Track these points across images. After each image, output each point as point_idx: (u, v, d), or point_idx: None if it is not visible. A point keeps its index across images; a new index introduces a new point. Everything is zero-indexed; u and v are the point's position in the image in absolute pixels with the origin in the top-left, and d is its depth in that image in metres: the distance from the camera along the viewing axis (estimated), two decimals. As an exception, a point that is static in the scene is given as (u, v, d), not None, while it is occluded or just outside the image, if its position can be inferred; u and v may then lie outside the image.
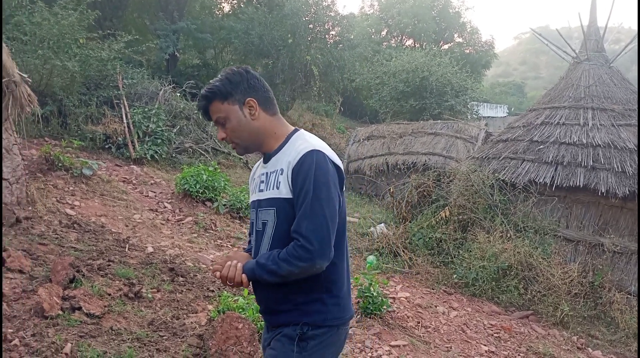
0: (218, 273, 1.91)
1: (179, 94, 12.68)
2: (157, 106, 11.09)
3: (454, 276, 7.01)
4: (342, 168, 1.88)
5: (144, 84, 12.19)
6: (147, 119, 10.54)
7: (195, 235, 6.74)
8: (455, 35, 30.34)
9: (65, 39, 9.80)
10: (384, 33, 30.02)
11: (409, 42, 29.54)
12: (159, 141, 10.22)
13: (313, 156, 1.77)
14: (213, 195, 7.87)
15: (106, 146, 9.71)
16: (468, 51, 28.97)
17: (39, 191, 6.33)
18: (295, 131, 1.96)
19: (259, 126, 1.92)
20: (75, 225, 5.89)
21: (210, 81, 1.95)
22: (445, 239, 7.60)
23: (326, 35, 18.13)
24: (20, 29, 9.67)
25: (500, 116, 26.69)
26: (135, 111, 10.67)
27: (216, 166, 8.53)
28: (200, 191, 7.76)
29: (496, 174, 7.73)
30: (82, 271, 4.37)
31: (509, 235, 7.14)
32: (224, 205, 7.75)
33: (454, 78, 16.62)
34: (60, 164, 7.16)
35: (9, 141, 5.81)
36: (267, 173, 1.94)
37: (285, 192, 1.82)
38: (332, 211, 1.76)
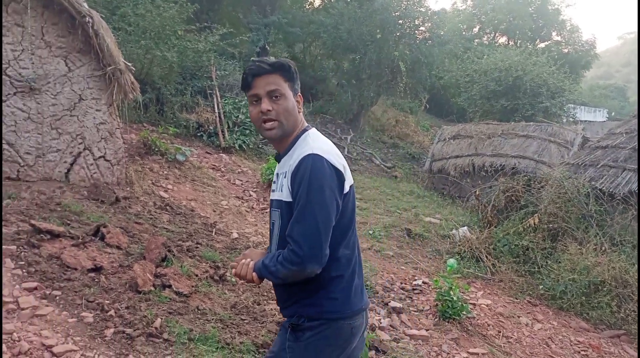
0: (234, 271, 1.99)
1: (268, 88, 12.96)
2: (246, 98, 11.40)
3: (540, 287, 6.66)
4: (343, 169, 1.86)
5: (235, 75, 12.61)
6: (237, 110, 10.90)
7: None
8: (554, 34, 28.67)
9: (166, 30, 10.32)
10: (475, 30, 28.99)
11: (502, 39, 28.32)
12: (247, 131, 10.54)
13: (309, 160, 1.77)
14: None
15: (198, 134, 10.15)
16: (566, 51, 27.28)
17: (136, 173, 6.73)
18: (304, 131, 1.95)
19: (298, 120, 1.95)
20: (167, 207, 6.22)
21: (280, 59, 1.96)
22: (533, 247, 7.23)
23: (415, 31, 17.76)
24: (125, 20, 10.31)
25: (599, 120, 24.97)
26: (226, 101, 11.08)
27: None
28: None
29: (593, 183, 7.24)
30: (172, 251, 4.60)
31: (603, 248, 6.66)
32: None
33: (550, 78, 15.73)
34: (156, 149, 7.58)
35: (112, 124, 6.22)
36: (277, 174, 1.99)
37: (286, 195, 1.85)
38: (325, 216, 1.76)
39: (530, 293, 6.64)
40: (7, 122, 5.37)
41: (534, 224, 7.45)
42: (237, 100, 11.21)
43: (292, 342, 1.89)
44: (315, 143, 1.86)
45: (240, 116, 10.63)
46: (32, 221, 4.21)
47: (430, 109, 23.05)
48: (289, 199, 1.83)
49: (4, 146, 5.36)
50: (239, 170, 8.94)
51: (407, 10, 17.10)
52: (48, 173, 5.69)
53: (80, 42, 5.84)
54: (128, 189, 6.30)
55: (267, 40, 17.81)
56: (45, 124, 5.63)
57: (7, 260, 3.70)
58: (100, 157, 6.12)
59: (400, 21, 17.00)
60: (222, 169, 8.78)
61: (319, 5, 22.66)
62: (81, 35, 5.78)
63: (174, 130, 8.97)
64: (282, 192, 1.88)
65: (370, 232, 7.50)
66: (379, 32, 16.54)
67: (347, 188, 1.86)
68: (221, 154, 9.71)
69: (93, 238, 4.45)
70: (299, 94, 1.97)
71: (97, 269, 3.93)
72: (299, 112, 1.95)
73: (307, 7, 24.28)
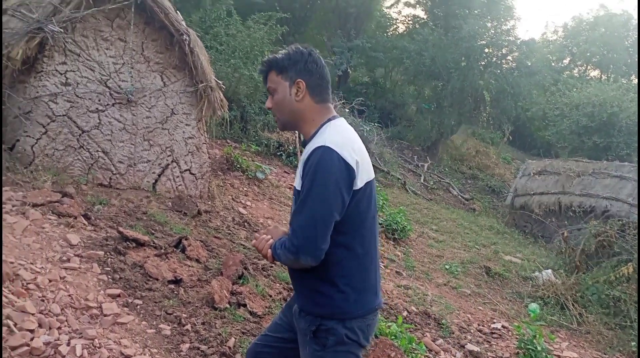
0: (254, 242, 2.06)
1: (347, 110, 13.04)
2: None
3: (633, 343, 6.07)
4: (356, 164, 1.81)
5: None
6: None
7: (351, 250, 6.75)
8: (652, 70, 26.86)
9: (254, 50, 10.64)
10: (566, 61, 27.75)
11: (595, 73, 26.89)
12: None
13: (319, 153, 1.77)
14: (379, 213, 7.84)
15: (278, 153, 10.29)
16: (667, 88, 25.43)
17: (218, 188, 6.87)
18: (328, 120, 1.93)
19: (300, 108, 1.93)
20: (245, 224, 6.27)
21: (276, 53, 2.00)
22: (625, 299, 6.64)
23: (502, 60, 17.27)
24: (217, 40, 10.74)
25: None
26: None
27: (378, 185, 8.51)
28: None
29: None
30: (249, 269, 4.59)
31: None
32: (380, 224, 7.69)
33: (649, 117, 14.70)
34: (238, 166, 7.73)
35: (199, 139, 6.40)
36: (300, 161, 1.96)
37: (298, 183, 1.88)
38: (324, 211, 1.75)
39: (621, 349, 6.07)
40: (104, 131, 5.65)
41: (628, 274, 6.86)
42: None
43: (321, 351, 1.89)
44: (332, 135, 1.83)
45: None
46: (120, 229, 4.35)
47: (513, 142, 22.16)
48: (299, 188, 1.85)
49: (100, 153, 5.63)
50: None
51: (495, 39, 16.67)
52: (137, 182, 5.91)
53: (176, 59, 6.07)
54: (209, 203, 6.42)
55: (350, 64, 17.95)
56: (138, 135, 5.87)
57: (94, 264, 3.82)
58: (186, 170, 6.29)
59: (487, 50, 16.58)
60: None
61: (404, 31, 22.63)
62: (178, 52, 6.01)
63: (256, 148, 9.14)
64: (296, 180, 1.92)
65: (447, 267, 7.20)
66: (463, 60, 16.20)
67: (359, 184, 1.82)
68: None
69: (175, 249, 4.53)
70: (300, 79, 1.92)
71: (177, 281, 3.97)
72: (300, 99, 1.92)
73: (391, 32, 24.33)
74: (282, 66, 1.94)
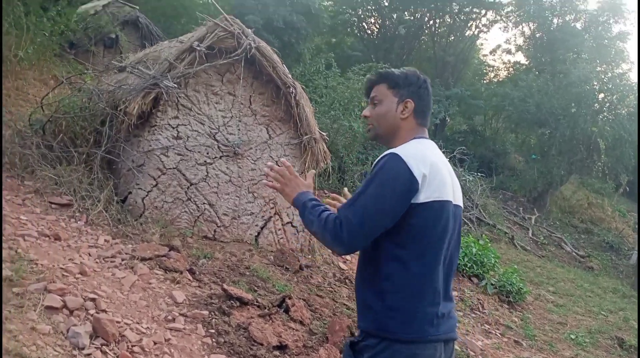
0: (276, 184, 2.02)
1: (448, 160, 12.52)
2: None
3: None
4: (422, 177, 1.75)
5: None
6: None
7: (461, 314, 6.18)
8: None
9: (354, 101, 10.60)
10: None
11: None
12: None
13: (386, 158, 1.79)
14: (481, 271, 7.24)
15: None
16: None
17: (317, 241, 6.65)
18: (416, 138, 1.95)
19: (401, 126, 1.97)
20: (346, 280, 5.95)
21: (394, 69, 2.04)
22: None
23: (618, 105, 15.98)
24: (317, 92, 10.86)
25: None
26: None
27: (487, 241, 7.89)
28: (468, 265, 7.22)
29: None
30: (354, 334, 4.23)
31: None
32: (492, 285, 7.04)
33: None
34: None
35: (302, 192, 6.25)
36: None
37: None
38: (377, 210, 1.72)
39: None
40: (211, 183, 5.67)
41: None
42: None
43: None
44: (407, 147, 1.86)
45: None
46: (224, 286, 4.20)
47: (630, 193, 20.23)
48: None
49: (206, 206, 5.65)
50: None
51: (610, 82, 15.51)
52: (240, 235, 5.84)
53: (281, 111, 6.06)
54: (310, 257, 6.20)
55: (448, 112, 17.49)
56: (243, 188, 5.85)
57: (199, 325, 3.67)
58: (288, 223, 6.16)
59: (601, 95, 15.44)
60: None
61: (504, 77, 21.88)
62: (283, 105, 6.00)
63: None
64: None
65: (572, 336, 6.35)
66: (573, 106, 15.18)
67: (422, 199, 1.76)
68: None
69: (278, 308, 4.30)
70: (409, 100, 1.96)
71: (282, 347, 3.71)
72: (405, 117, 1.96)
73: (488, 79, 23.68)
74: (396, 82, 1.98)
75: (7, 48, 8.08)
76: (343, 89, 10.49)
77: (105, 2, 14.09)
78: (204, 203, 5.64)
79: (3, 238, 3.87)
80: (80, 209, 5.06)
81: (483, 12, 20.16)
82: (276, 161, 5.80)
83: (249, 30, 5.69)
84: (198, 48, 5.27)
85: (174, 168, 5.51)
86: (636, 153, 15.24)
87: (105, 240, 4.61)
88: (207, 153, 5.68)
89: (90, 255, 4.22)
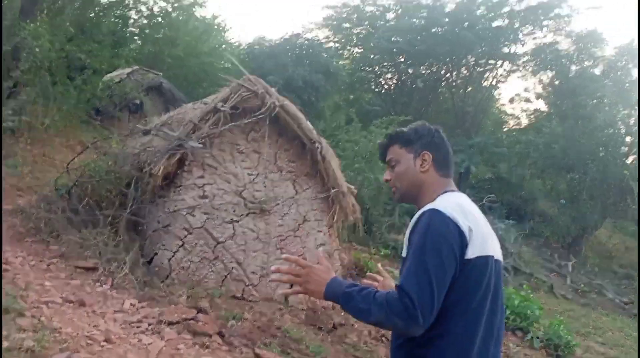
0: (295, 287, 1.77)
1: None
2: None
3: None
4: (468, 231, 1.64)
5: (442, 196, 12.18)
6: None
7: (508, 372, 5.77)
8: None
9: (376, 154, 10.52)
10: None
11: None
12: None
13: (428, 214, 1.66)
14: (525, 324, 6.82)
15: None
16: None
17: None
18: (446, 192, 1.83)
19: (423, 180, 1.88)
20: (383, 338, 5.63)
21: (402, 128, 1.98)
22: None
23: (648, 147, 15.63)
24: (340, 146, 10.85)
25: None
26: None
27: (530, 291, 7.49)
28: (511, 318, 6.81)
29: None
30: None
31: None
32: (538, 338, 6.61)
33: None
34: (367, 271, 7.22)
35: (331, 246, 6.08)
36: (408, 228, 1.80)
37: (404, 253, 1.73)
38: (439, 276, 1.59)
39: None
40: (238, 241, 5.53)
41: None
42: (445, 222, 10.61)
43: None
44: (443, 201, 1.74)
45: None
46: (256, 350, 3.98)
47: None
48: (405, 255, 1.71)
49: (233, 264, 5.48)
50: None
51: (635, 125, 15.25)
52: (269, 293, 5.62)
53: (307, 167, 5.98)
54: (343, 314, 5.90)
55: (472, 161, 17.30)
56: (271, 244, 5.68)
57: (232, 393, 3.42)
58: (317, 280, 5.92)
59: (628, 137, 15.16)
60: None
61: (526, 125, 21.76)
62: (309, 160, 5.93)
63: (385, 251, 8.63)
64: (404, 251, 1.75)
65: (632, 394, 5.85)
66: (601, 150, 14.88)
67: (470, 255, 1.64)
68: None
69: (313, 373, 4.03)
70: (426, 151, 1.87)
71: (320, 416, 3.42)
72: (425, 170, 1.86)
73: (510, 127, 23.61)
74: (407, 139, 1.91)
75: (34, 116, 8.29)
76: (365, 142, 10.46)
77: (130, 70, 14.58)
78: (231, 262, 5.48)
79: (27, 305, 3.75)
80: (106, 273, 4.94)
81: (499, 63, 20.32)
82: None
83: (272, 89, 5.70)
84: (222, 108, 5.28)
85: (200, 227, 5.40)
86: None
87: (131, 304, 4.44)
88: (234, 211, 5.57)
89: (115, 320, 4.05)
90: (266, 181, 5.80)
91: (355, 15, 20.26)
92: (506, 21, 19.29)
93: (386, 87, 21.90)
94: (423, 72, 20.66)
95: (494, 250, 1.76)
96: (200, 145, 5.20)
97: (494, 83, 20.84)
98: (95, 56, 10.13)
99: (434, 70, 20.29)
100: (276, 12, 54.91)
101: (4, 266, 4.31)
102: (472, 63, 20.21)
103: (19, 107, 7.67)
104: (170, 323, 4.13)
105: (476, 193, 15.87)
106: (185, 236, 5.34)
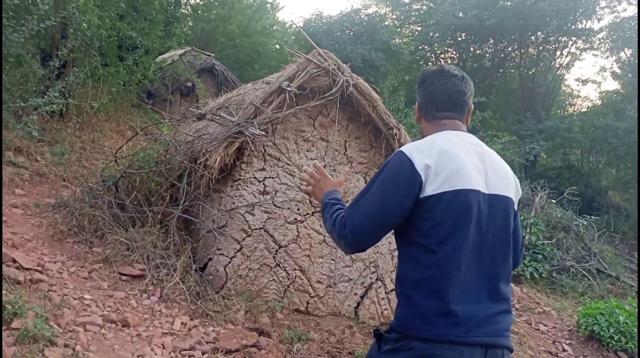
0: (308, 186, 2.12)
1: (554, 201, 11.07)
2: (534, 215, 9.71)
3: None
4: (424, 168, 1.67)
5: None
6: (524, 229, 9.19)
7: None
8: None
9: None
10: None
11: None
12: (540, 256, 8.68)
13: (392, 156, 1.78)
14: (632, 346, 5.79)
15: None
16: None
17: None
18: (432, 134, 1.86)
19: (422, 130, 1.96)
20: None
21: None
22: None
23: None
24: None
25: None
26: (509, 218, 9.53)
27: (634, 305, 6.42)
28: (615, 337, 5.80)
29: None
30: None
31: None
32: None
33: None
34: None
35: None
36: None
37: None
38: (378, 209, 1.69)
39: None
40: (302, 245, 4.77)
41: None
42: (523, 217, 9.53)
43: (375, 354, 1.77)
44: (416, 142, 1.81)
45: (531, 237, 8.87)
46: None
47: None
48: None
49: (297, 272, 4.73)
50: (539, 309, 7.07)
51: None
52: (337, 307, 4.86)
53: (382, 157, 5.14)
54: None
55: (543, 147, 15.90)
56: (339, 249, 4.87)
57: None
58: (392, 290, 5.12)
59: None
60: (517, 305, 7.06)
61: (593, 107, 20.03)
62: (384, 150, 5.08)
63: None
64: None
65: None
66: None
67: (430, 191, 1.66)
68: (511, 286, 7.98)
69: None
70: (417, 103, 1.98)
71: None
72: (419, 121, 1.98)
73: (576, 109, 21.90)
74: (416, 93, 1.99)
75: (84, 99, 7.78)
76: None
77: (182, 52, 14.06)
78: (294, 269, 4.73)
79: (60, 328, 3.12)
80: (154, 281, 4.30)
81: (572, 40, 18.59)
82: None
83: (345, 65, 4.86)
84: (288, 89, 4.48)
85: (260, 228, 4.67)
86: None
87: (182, 323, 3.77)
88: (298, 210, 4.81)
89: (164, 346, 3.38)
90: (334, 173, 4.99)
91: (415, -10, 19.00)
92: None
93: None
94: (488, 50, 19.19)
95: (487, 184, 1.73)
96: (263, 132, 4.43)
97: (566, 62, 19.13)
98: (147, 34, 9.54)
99: (501, 47, 18.78)
100: None
101: (39, 275, 3.72)
102: (540, 40, 18.58)
103: (67, 89, 7.14)
104: (228, 352, 3.43)
105: (543, 182, 14.56)
106: (244, 239, 4.62)
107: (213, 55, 14.49)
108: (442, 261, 1.65)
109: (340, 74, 4.71)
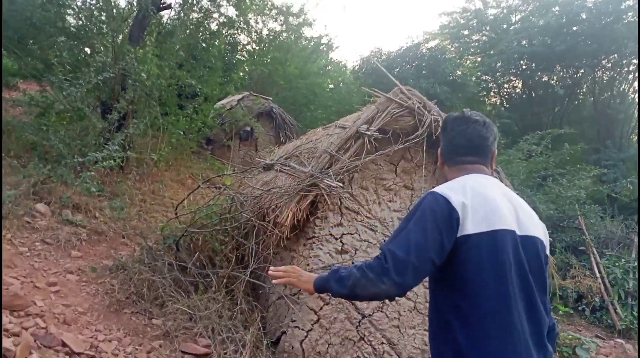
0: (290, 279, 1.93)
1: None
2: (634, 256, 8.54)
3: None
4: (461, 207, 1.63)
5: (606, 225, 9.93)
6: (627, 274, 8.05)
7: None
8: None
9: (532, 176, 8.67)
10: None
11: None
12: (656, 309, 7.49)
13: (423, 196, 1.73)
14: None
15: (579, 308, 7.62)
16: None
17: None
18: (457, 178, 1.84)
19: (445, 175, 1.94)
20: None
21: None
22: None
23: None
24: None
25: None
26: (606, 261, 8.39)
27: None
28: None
29: None
30: None
31: None
32: None
33: None
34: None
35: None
36: None
37: None
38: (420, 242, 1.59)
39: None
40: (390, 313, 4.06)
41: None
42: (623, 261, 8.38)
43: None
44: (444, 184, 1.79)
45: (637, 284, 7.72)
46: None
47: None
48: None
49: (385, 347, 4.01)
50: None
51: None
52: (434, 387, 4.06)
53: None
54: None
55: (628, 179, 14.49)
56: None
57: None
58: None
59: None
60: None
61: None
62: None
63: (565, 309, 6.68)
64: None
65: None
66: None
67: (470, 230, 1.61)
68: (618, 341, 6.88)
69: None
70: (439, 148, 1.99)
71: None
72: (441, 167, 1.99)
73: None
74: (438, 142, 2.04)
75: (144, 150, 7.52)
76: (519, 162, 8.63)
77: (240, 97, 13.96)
78: (382, 343, 4.01)
79: None
80: (221, 361, 3.69)
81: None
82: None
83: (431, 102, 4.24)
84: (368, 132, 3.88)
85: (339, 295, 4.00)
86: None
87: (256, 419, 3.12)
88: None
89: None
90: (422, 227, 4.29)
91: (475, 21, 18.31)
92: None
93: (512, 96, 19.55)
94: (556, 77, 18.10)
95: (518, 225, 1.69)
96: (340, 184, 3.82)
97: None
98: (206, 81, 9.34)
99: (571, 73, 17.66)
100: (389, 25, 53.74)
101: (93, 354, 3.20)
102: (612, 64, 17.33)
103: (127, 141, 6.89)
104: None
105: (630, 214, 13.14)
106: (321, 308, 3.96)
107: (271, 98, 14.30)
108: (491, 311, 1.61)
109: (426, 112, 4.08)
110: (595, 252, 8.54)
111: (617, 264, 8.28)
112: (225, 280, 4.38)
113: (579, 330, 6.83)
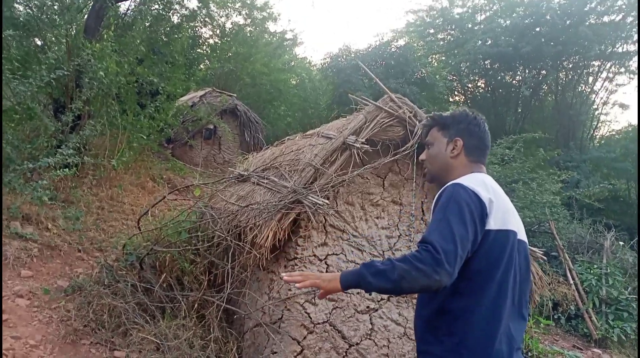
0: (314, 281, 1.78)
1: (622, 243, 9.89)
2: (605, 262, 8.55)
3: None
4: (489, 202, 1.70)
5: (575, 229, 9.97)
6: (599, 280, 8.03)
7: None
8: None
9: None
10: None
11: None
12: (624, 313, 7.49)
13: (451, 186, 1.74)
14: None
15: (554, 316, 7.55)
16: None
17: None
18: (471, 173, 1.87)
19: (452, 164, 1.94)
20: None
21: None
22: None
23: None
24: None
25: None
26: (580, 267, 8.36)
27: None
28: None
29: None
30: None
31: None
32: None
33: None
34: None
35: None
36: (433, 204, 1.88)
37: None
38: (461, 231, 1.60)
39: None
40: (378, 341, 3.75)
41: None
42: (594, 266, 8.37)
43: None
44: (465, 178, 1.81)
45: (611, 291, 7.70)
46: None
47: None
48: None
49: (374, 376, 3.69)
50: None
51: None
52: (426, 419, 3.78)
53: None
54: None
55: (590, 179, 14.74)
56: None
57: None
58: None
59: None
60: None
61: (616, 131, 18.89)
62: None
63: (546, 322, 6.54)
64: None
65: None
66: None
67: (492, 225, 1.68)
68: (596, 351, 6.82)
69: None
70: (458, 138, 1.95)
71: None
72: (454, 155, 1.94)
73: (602, 135, 20.80)
74: (444, 123, 1.99)
75: (102, 152, 6.94)
76: (498, 169, 8.49)
77: (202, 93, 13.39)
78: (370, 373, 3.69)
79: None
80: (194, 401, 3.29)
81: (608, 64, 17.54)
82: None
83: (422, 111, 3.93)
84: (356, 144, 3.54)
85: (324, 322, 3.66)
86: None
87: None
88: (370, 295, 3.80)
89: None
90: (412, 244, 4.01)
91: (441, 19, 18.24)
92: (619, 15, 16.61)
93: (476, 96, 19.63)
94: (519, 77, 18.25)
95: (517, 227, 1.78)
96: (326, 201, 3.46)
97: (607, 86, 18.06)
98: (169, 78, 8.77)
99: (535, 74, 17.83)
100: (357, 22, 53.47)
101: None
102: (574, 64, 17.58)
103: (83, 143, 6.32)
104: None
105: (591, 214, 13.31)
106: (305, 337, 3.60)
107: (235, 95, 13.79)
108: (494, 301, 1.69)
109: (417, 122, 3.77)
110: (568, 258, 8.50)
111: (590, 271, 8.25)
112: (196, 305, 3.97)
113: (555, 340, 6.73)
